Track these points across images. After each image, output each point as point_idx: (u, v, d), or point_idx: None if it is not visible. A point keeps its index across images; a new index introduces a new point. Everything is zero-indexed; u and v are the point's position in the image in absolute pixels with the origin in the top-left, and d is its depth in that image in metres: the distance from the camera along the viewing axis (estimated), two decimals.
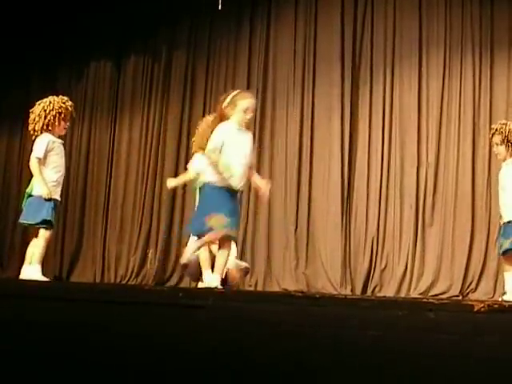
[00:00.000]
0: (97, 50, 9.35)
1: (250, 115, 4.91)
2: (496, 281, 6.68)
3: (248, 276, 7.25)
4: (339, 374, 1.26)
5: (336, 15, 7.91)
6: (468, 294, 6.82)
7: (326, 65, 7.90)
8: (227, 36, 8.57)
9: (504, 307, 2.37)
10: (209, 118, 5.85)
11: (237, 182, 4.79)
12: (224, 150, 4.74)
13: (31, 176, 5.41)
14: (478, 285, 6.84)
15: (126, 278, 8.41)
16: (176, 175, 8.63)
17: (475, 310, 2.23)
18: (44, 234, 5.27)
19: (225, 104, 4.86)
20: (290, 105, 8.04)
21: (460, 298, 6.71)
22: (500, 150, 5.33)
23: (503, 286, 6.29)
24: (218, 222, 4.66)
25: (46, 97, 5.40)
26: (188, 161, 8.61)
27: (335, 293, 7.01)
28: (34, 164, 5.28)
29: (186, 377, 1.20)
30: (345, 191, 7.57)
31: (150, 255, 8.41)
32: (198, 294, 4.13)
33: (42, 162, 5.26)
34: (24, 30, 9.41)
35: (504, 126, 5.31)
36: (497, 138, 5.34)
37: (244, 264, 6.68)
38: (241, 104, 4.83)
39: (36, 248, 5.27)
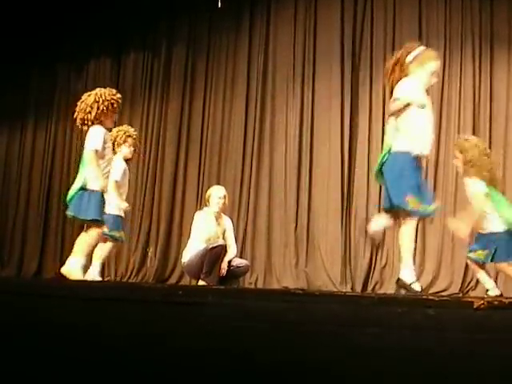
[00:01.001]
0: (96, 47, 9.36)
1: (435, 80, 4.43)
2: (496, 278, 6.67)
3: (248, 273, 7.25)
4: (340, 371, 1.26)
5: (336, 9, 7.90)
6: (468, 291, 6.81)
7: (326, 60, 7.90)
8: (227, 31, 8.57)
9: (504, 304, 2.37)
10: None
11: (422, 149, 4.25)
12: (408, 109, 4.23)
13: (77, 168, 5.30)
14: (478, 282, 6.83)
15: (127, 277, 8.42)
16: (176, 170, 8.64)
17: (475, 306, 2.23)
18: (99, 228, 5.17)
19: (409, 58, 4.34)
20: (290, 101, 8.04)
21: (460, 295, 6.70)
22: (458, 163, 5.29)
23: (503, 284, 6.29)
24: (417, 206, 4.16)
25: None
26: (188, 157, 8.63)
27: (335, 290, 7.01)
28: (91, 156, 5.06)
29: (186, 374, 1.20)
30: (345, 188, 7.56)
31: (149, 253, 8.42)
32: (197, 292, 4.13)
33: (100, 154, 5.09)
34: (23, 27, 9.41)
35: (464, 142, 5.27)
36: (456, 153, 5.30)
37: (244, 262, 6.69)
38: (430, 65, 4.35)
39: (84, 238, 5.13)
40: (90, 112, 5.21)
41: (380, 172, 4.47)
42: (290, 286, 7.26)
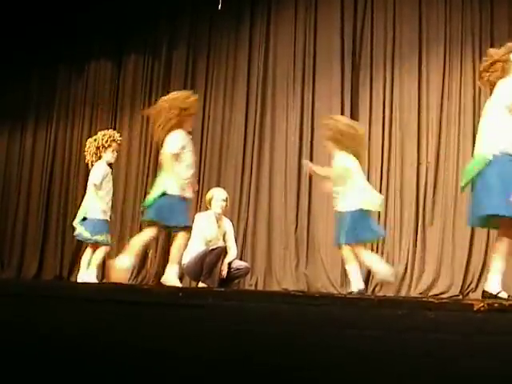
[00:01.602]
0: (97, 47, 9.36)
1: None
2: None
3: (248, 275, 7.25)
4: (339, 373, 1.26)
5: (336, 8, 7.90)
6: (468, 293, 6.79)
7: (326, 59, 7.90)
8: (227, 32, 8.57)
9: (504, 306, 2.37)
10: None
11: None
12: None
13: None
14: (478, 284, 6.81)
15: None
16: None
17: (475, 309, 2.23)
18: (185, 235, 5.19)
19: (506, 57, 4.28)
20: (290, 100, 8.04)
21: (460, 297, 6.69)
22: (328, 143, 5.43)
23: (504, 285, 6.26)
24: None
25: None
26: None
27: (335, 292, 7.00)
28: (167, 160, 5.11)
29: (186, 376, 1.20)
30: None
31: (150, 255, 8.41)
32: (197, 294, 4.13)
33: (176, 157, 5.11)
34: (24, 27, 9.42)
35: (333, 122, 5.39)
36: (326, 134, 5.43)
37: (244, 264, 6.69)
38: None
39: (175, 249, 5.17)
40: (171, 118, 5.16)
41: (472, 178, 4.37)
42: (290, 288, 7.25)
